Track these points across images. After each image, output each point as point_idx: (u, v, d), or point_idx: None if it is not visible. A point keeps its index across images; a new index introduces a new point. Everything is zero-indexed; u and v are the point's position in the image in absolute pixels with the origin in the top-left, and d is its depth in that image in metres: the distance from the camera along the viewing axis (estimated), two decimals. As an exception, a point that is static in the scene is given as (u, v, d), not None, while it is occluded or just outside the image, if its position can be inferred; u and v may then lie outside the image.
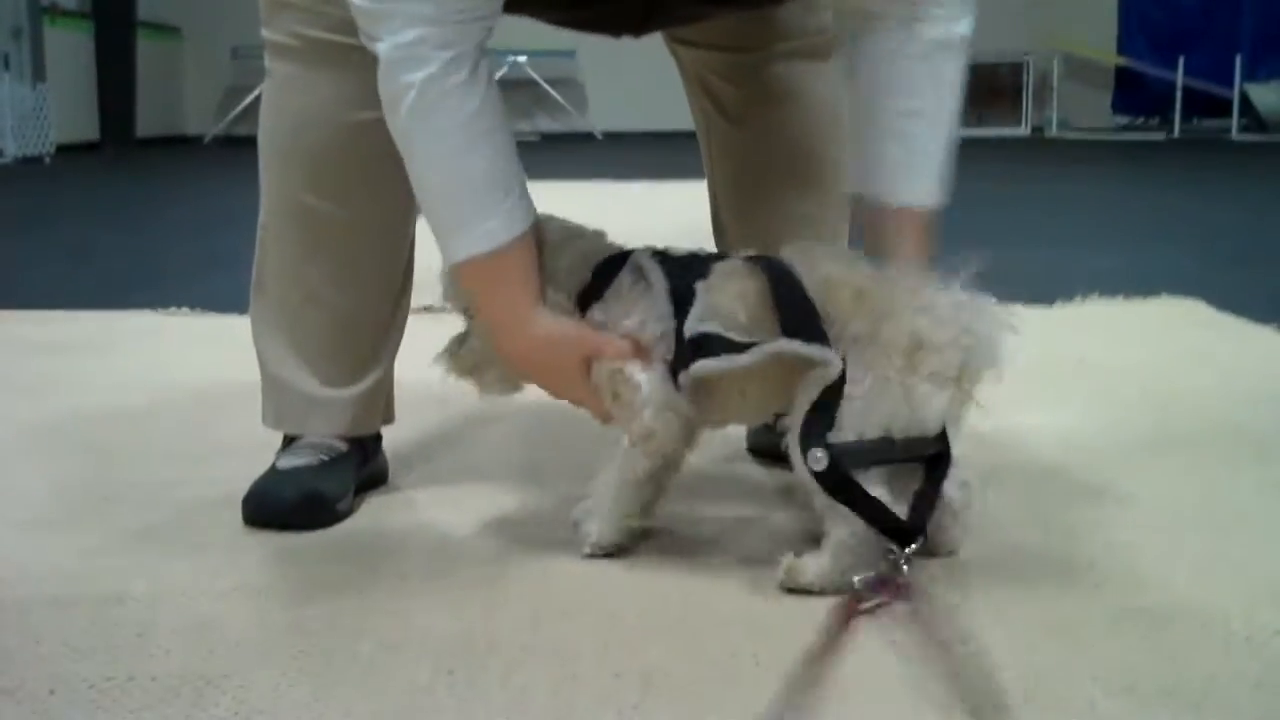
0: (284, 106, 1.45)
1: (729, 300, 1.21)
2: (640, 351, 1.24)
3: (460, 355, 1.41)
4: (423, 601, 1.19)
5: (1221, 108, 11.31)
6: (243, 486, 1.43)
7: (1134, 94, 12.25)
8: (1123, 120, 12.42)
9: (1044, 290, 2.91)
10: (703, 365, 1.21)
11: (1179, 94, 11.47)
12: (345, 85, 1.38)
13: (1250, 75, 11.12)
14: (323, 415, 1.50)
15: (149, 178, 7.70)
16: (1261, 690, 1.00)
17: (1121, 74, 12.28)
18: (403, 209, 1.49)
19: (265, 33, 1.43)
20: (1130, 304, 2.81)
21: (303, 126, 1.43)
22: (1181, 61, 11.41)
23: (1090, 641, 1.09)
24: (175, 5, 12.13)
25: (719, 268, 1.24)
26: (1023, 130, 12.39)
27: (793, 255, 1.23)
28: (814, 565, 1.18)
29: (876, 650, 1.07)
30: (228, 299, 2.87)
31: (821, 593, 1.17)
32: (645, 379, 1.23)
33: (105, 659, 1.07)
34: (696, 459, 1.36)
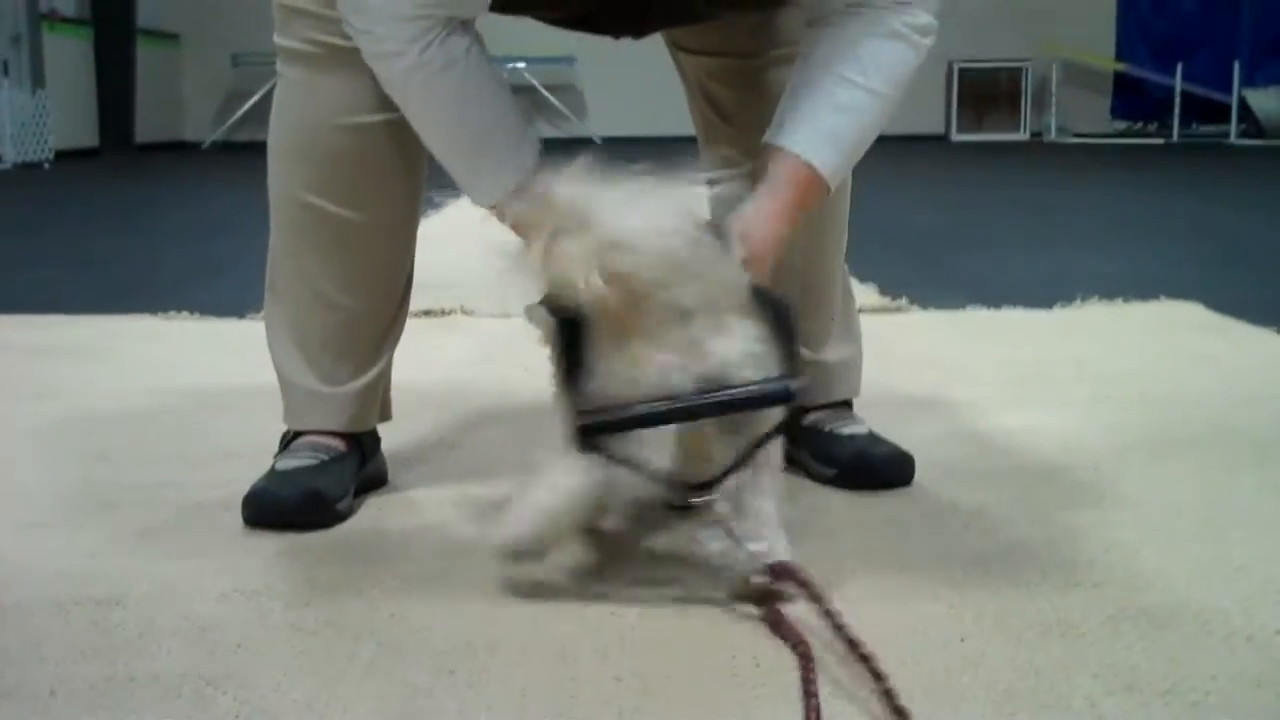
0: (293, 109, 1.47)
1: None
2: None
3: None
4: (423, 602, 1.19)
5: (1220, 113, 11.33)
6: (242, 489, 1.43)
7: (1133, 99, 12.28)
8: (1122, 125, 12.44)
9: (1044, 294, 2.91)
10: None
11: (1178, 99, 11.48)
12: (353, 89, 1.41)
13: (1249, 81, 11.14)
14: (322, 411, 1.51)
15: (148, 183, 7.71)
16: (1262, 689, 1.00)
17: (1120, 79, 12.30)
18: (408, 212, 1.52)
19: (277, 38, 1.46)
20: (1129, 307, 2.81)
21: (311, 129, 1.45)
22: (1180, 67, 11.43)
23: (1090, 641, 1.09)
24: (174, 12, 12.14)
25: None
26: (1022, 135, 12.41)
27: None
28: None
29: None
30: (227, 304, 2.87)
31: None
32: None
33: (106, 660, 1.07)
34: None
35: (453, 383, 2.13)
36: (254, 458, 1.57)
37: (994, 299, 2.90)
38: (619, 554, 1.29)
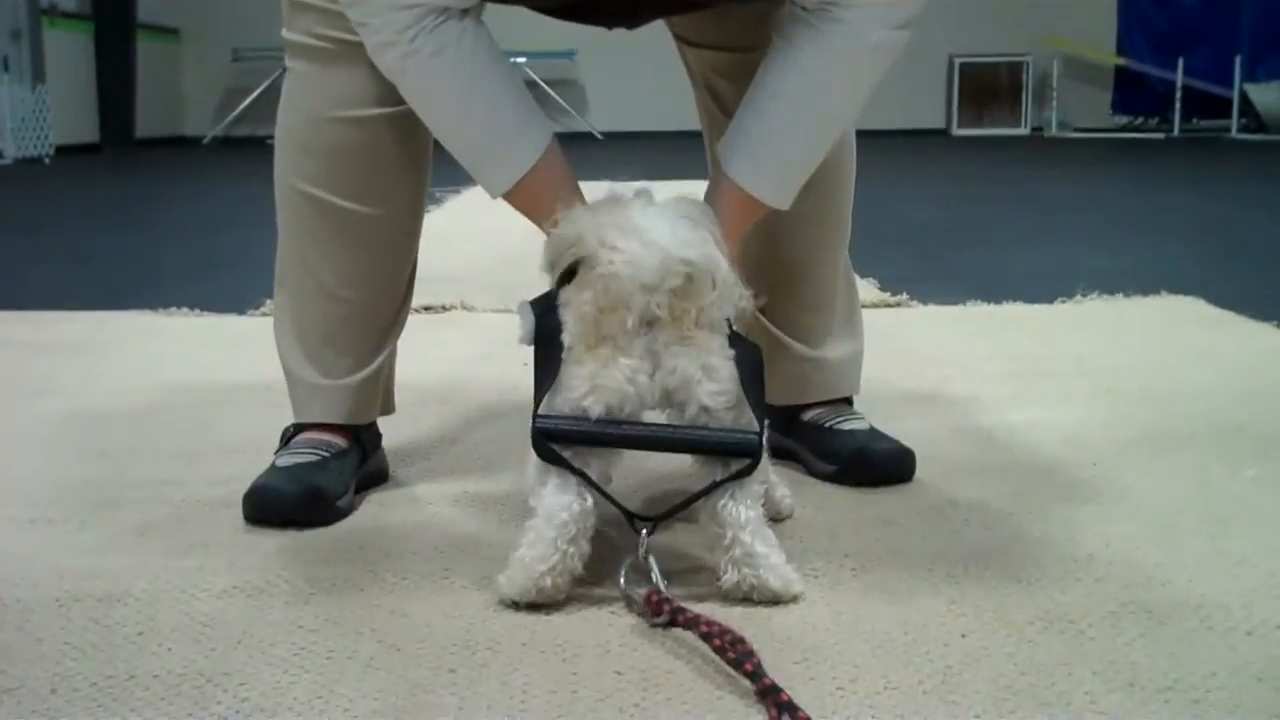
0: (299, 102, 1.48)
1: None
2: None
3: None
4: (423, 599, 1.19)
5: (1221, 107, 11.33)
6: (242, 486, 1.43)
7: (1134, 94, 12.27)
8: (1122, 120, 12.43)
9: (1045, 289, 2.91)
10: None
11: (1179, 94, 11.48)
12: (358, 82, 1.42)
13: (1250, 75, 11.13)
14: (322, 403, 1.51)
15: (148, 179, 7.71)
16: (1262, 685, 1.00)
17: (1121, 74, 12.30)
18: (412, 206, 1.52)
19: (285, 33, 1.47)
20: (1131, 302, 2.81)
21: (316, 122, 1.46)
22: (1181, 62, 11.42)
23: (1091, 636, 1.09)
24: (175, 7, 12.14)
25: None
26: (1023, 130, 12.41)
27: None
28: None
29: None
30: (227, 299, 2.87)
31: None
32: None
33: (106, 657, 1.07)
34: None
35: (453, 379, 2.13)
36: (255, 454, 1.57)
37: (995, 294, 2.90)
38: (616, 554, 1.29)
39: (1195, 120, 11.74)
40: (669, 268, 1.12)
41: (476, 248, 3.88)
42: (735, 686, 1.00)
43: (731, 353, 1.17)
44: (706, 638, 1.05)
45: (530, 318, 1.22)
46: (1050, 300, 2.83)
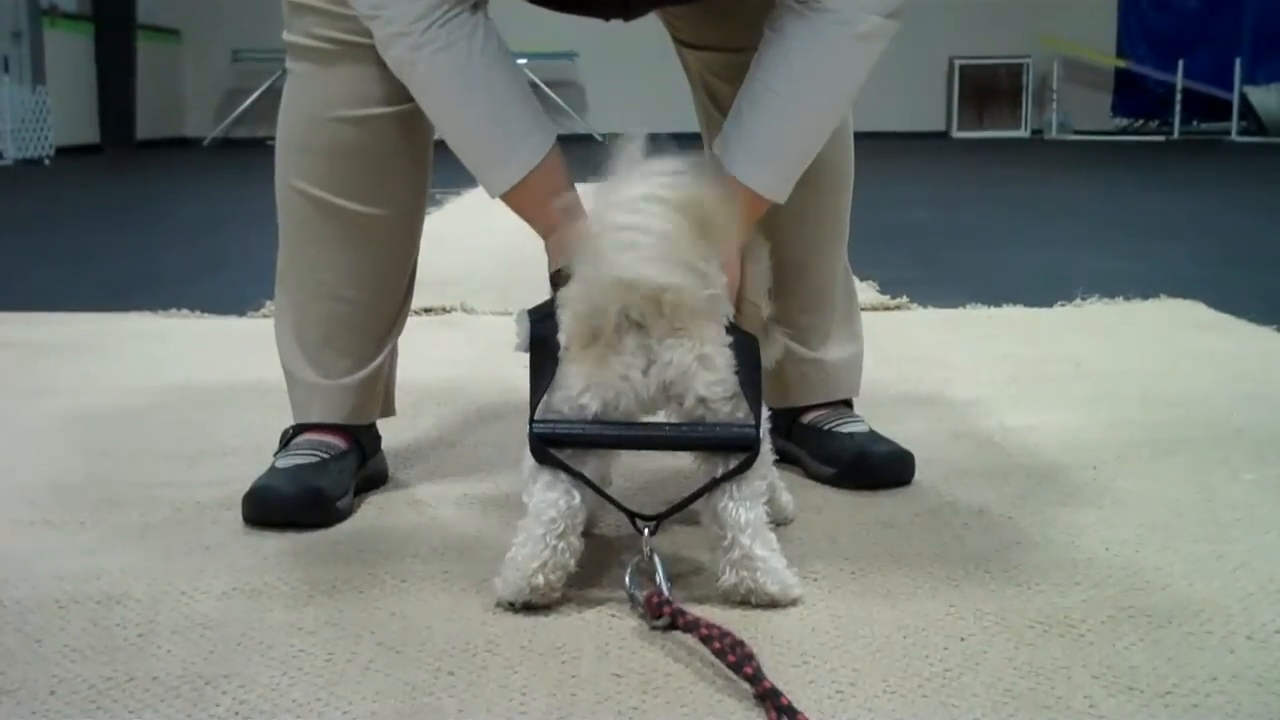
0: (299, 103, 1.48)
1: None
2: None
3: None
4: (423, 601, 1.19)
5: (1221, 110, 11.33)
6: (243, 487, 1.43)
7: (1134, 96, 12.28)
8: (1123, 122, 12.43)
9: (1044, 292, 2.91)
10: None
11: (1179, 96, 11.48)
12: (359, 82, 1.43)
13: (1250, 78, 11.14)
14: (321, 404, 1.51)
15: (148, 180, 7.71)
16: (1262, 689, 1.00)
17: (1121, 76, 12.30)
18: (413, 206, 1.53)
19: (286, 35, 1.47)
20: (1130, 305, 2.81)
21: (316, 122, 1.46)
22: (1181, 64, 11.42)
23: (1090, 640, 1.09)
24: (175, 8, 12.14)
25: None
26: (1023, 132, 12.41)
27: None
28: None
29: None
30: (227, 301, 2.87)
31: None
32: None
33: (105, 659, 1.07)
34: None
35: (453, 380, 2.13)
36: (254, 455, 1.57)
37: (994, 297, 2.90)
38: (615, 555, 1.29)
39: (1195, 123, 11.75)
40: (643, 280, 1.11)
41: (477, 249, 3.88)
42: (735, 689, 1.00)
43: (728, 339, 1.17)
44: (706, 640, 1.05)
45: (526, 325, 1.22)
46: (1050, 303, 2.83)
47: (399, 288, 1.56)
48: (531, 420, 1.17)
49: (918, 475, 1.55)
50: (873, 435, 1.59)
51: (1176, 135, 11.46)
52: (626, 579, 1.17)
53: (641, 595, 1.13)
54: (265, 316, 2.59)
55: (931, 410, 1.92)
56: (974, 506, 1.46)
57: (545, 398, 1.18)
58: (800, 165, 1.37)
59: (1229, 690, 1.00)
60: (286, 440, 1.53)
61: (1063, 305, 2.82)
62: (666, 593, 1.13)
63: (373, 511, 1.47)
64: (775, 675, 1.00)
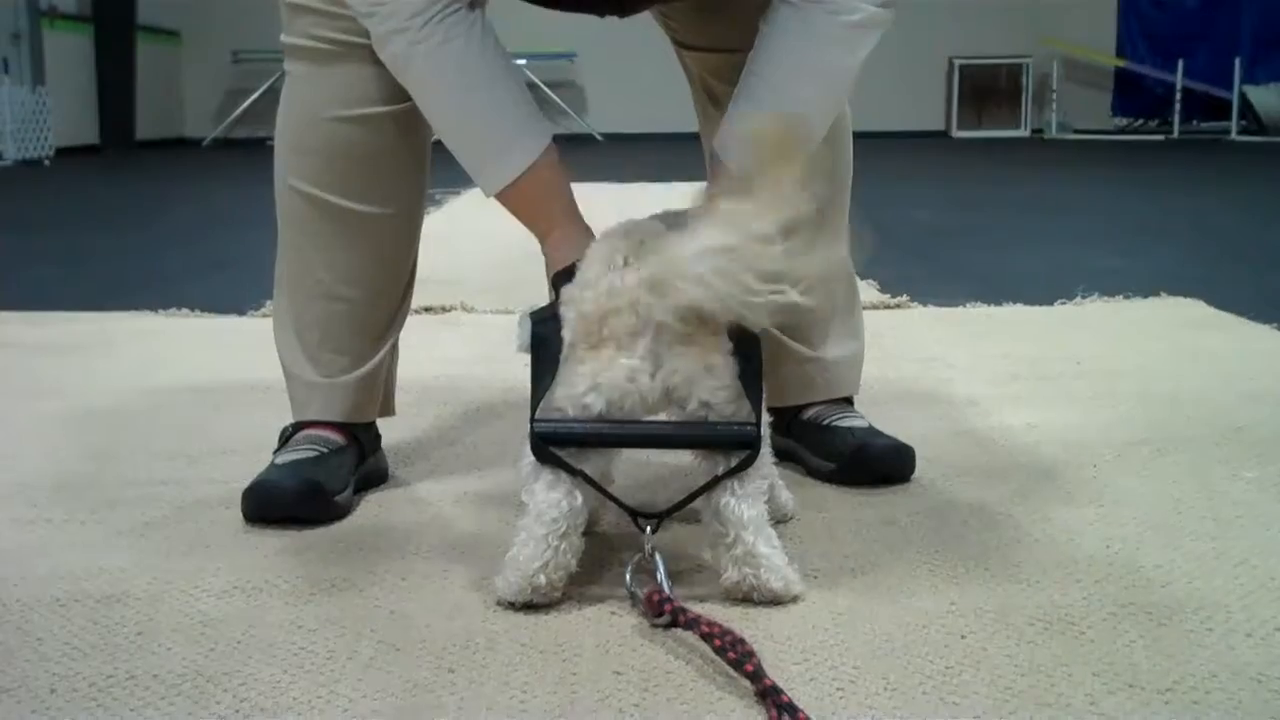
0: (297, 103, 1.48)
1: None
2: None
3: None
4: (423, 600, 1.19)
5: (1221, 109, 11.33)
6: (242, 486, 1.43)
7: (1134, 96, 12.28)
8: (1122, 122, 12.44)
9: (1044, 290, 2.91)
10: None
11: (1179, 95, 11.48)
12: (356, 82, 1.43)
13: (1249, 77, 11.14)
14: (320, 402, 1.51)
15: (148, 180, 7.71)
16: (1262, 686, 1.00)
17: (1121, 76, 12.30)
18: (411, 205, 1.53)
19: (284, 36, 1.47)
20: (1130, 304, 2.81)
21: (313, 121, 1.46)
22: (1181, 63, 11.42)
23: (1091, 638, 1.09)
24: (175, 9, 12.14)
25: None
26: (1023, 132, 12.41)
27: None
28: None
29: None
30: (226, 301, 2.87)
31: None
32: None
33: (106, 657, 1.07)
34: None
35: (453, 379, 2.13)
36: (254, 454, 1.57)
37: (994, 296, 2.90)
38: (615, 553, 1.29)
39: (1195, 122, 11.75)
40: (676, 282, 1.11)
41: (476, 249, 3.88)
42: (735, 687, 1.00)
43: (730, 346, 1.17)
44: (707, 638, 1.05)
45: (527, 326, 1.22)
46: (1050, 302, 2.83)
47: (398, 287, 1.56)
48: (532, 419, 1.17)
49: (918, 473, 1.55)
50: (872, 430, 1.59)
51: (1176, 135, 11.46)
52: (627, 577, 1.17)
53: (642, 593, 1.14)
54: (265, 316, 2.59)
55: (931, 408, 1.92)
56: (974, 504, 1.46)
57: (547, 395, 1.18)
58: None
59: (1229, 687, 1.00)
60: (285, 438, 1.53)
61: (1063, 304, 2.82)
62: (667, 591, 1.13)
63: (373, 509, 1.47)
64: (776, 672, 1.00)
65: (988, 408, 1.92)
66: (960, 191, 6.41)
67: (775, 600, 1.16)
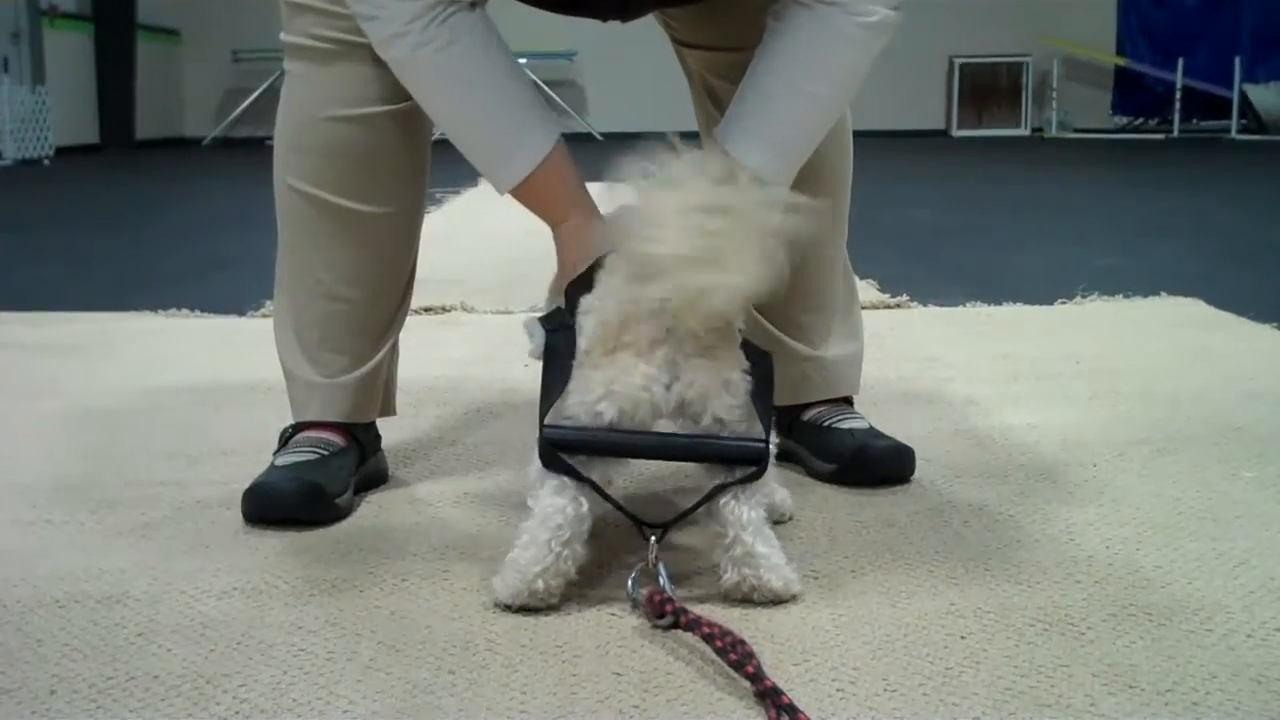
0: (296, 102, 1.48)
1: None
2: None
3: None
4: (423, 600, 1.19)
5: (1221, 108, 11.33)
6: (242, 487, 1.43)
7: (1134, 95, 12.27)
8: (1122, 121, 12.43)
9: (1044, 289, 2.91)
10: None
11: (1179, 94, 11.48)
12: (355, 81, 1.43)
13: (1249, 76, 11.14)
14: (320, 402, 1.51)
15: (148, 180, 7.71)
16: (1262, 687, 1.00)
17: (1121, 75, 12.29)
18: (411, 205, 1.53)
19: (283, 35, 1.47)
20: (1130, 303, 2.81)
21: (313, 121, 1.46)
22: (1181, 62, 11.42)
23: (1090, 638, 1.09)
24: (175, 8, 12.13)
25: None
26: (1023, 131, 12.40)
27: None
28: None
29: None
30: (226, 300, 2.87)
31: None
32: None
33: (105, 658, 1.07)
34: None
35: (453, 379, 2.13)
36: (254, 455, 1.57)
37: (994, 295, 2.90)
38: (615, 555, 1.29)
39: (1195, 121, 11.74)
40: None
41: (477, 249, 3.88)
42: (735, 688, 1.00)
43: (746, 364, 1.18)
44: (708, 639, 1.05)
45: (540, 333, 1.22)
46: (1050, 301, 2.83)
47: (397, 287, 1.56)
48: (542, 424, 1.17)
49: (917, 473, 1.55)
50: (872, 431, 1.59)
51: (1176, 133, 11.45)
52: (629, 584, 1.17)
53: (643, 595, 1.14)
54: (265, 316, 2.59)
55: (932, 409, 1.91)
56: (974, 504, 1.46)
57: (559, 401, 1.18)
58: (802, 153, 1.37)
59: (1229, 688, 1.00)
60: (286, 439, 1.53)
61: (1063, 303, 2.82)
62: (669, 592, 1.13)
63: (373, 510, 1.47)
64: (776, 674, 1.00)
65: (988, 407, 1.92)
66: (960, 191, 6.40)
67: (776, 600, 1.17)
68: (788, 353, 1.61)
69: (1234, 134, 10.93)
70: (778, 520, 1.36)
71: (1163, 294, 2.87)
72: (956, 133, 12.38)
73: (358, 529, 1.41)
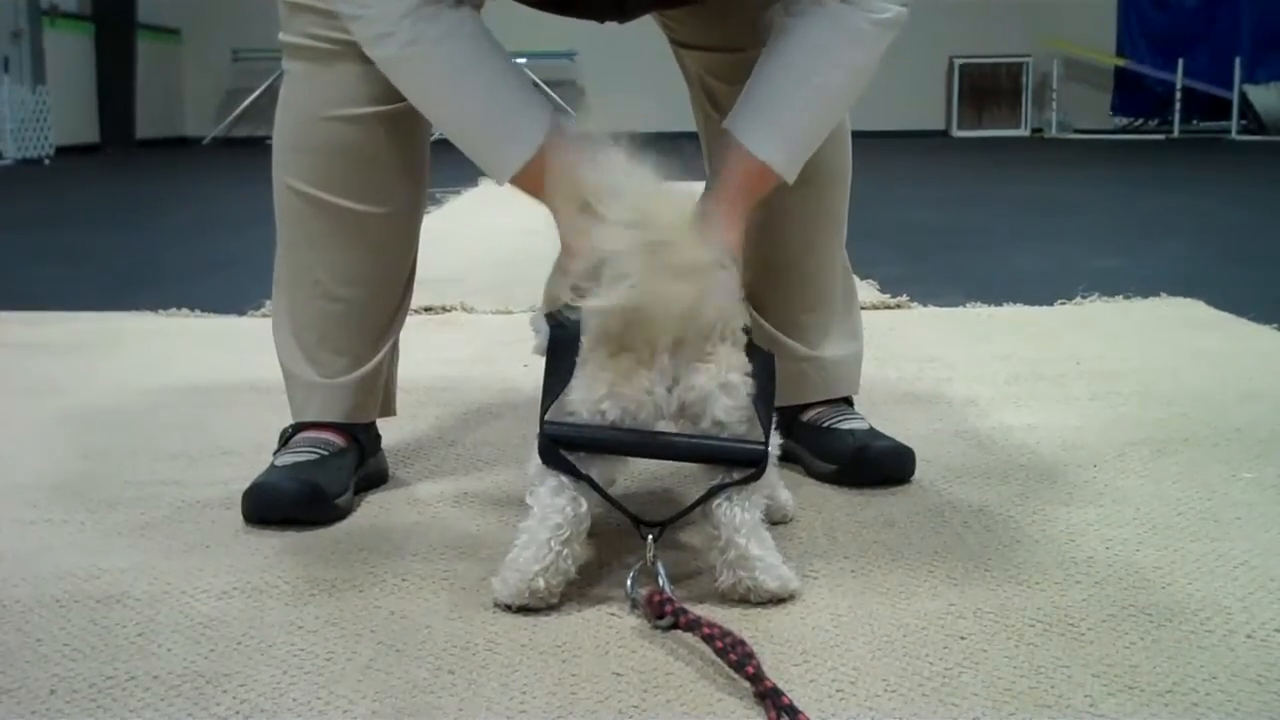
0: (295, 102, 1.49)
1: None
2: None
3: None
4: (423, 601, 1.19)
5: (1221, 109, 11.33)
6: (242, 487, 1.43)
7: (1134, 95, 12.28)
8: (1122, 121, 12.43)
9: (1044, 290, 2.91)
10: None
11: (1179, 95, 11.48)
12: (353, 81, 1.43)
13: (1249, 77, 11.14)
14: (319, 403, 1.52)
15: (149, 180, 7.71)
16: (1262, 687, 1.00)
17: (1121, 75, 12.29)
18: (410, 205, 1.53)
19: (282, 35, 1.47)
20: (1130, 304, 2.81)
21: (311, 121, 1.47)
22: (1181, 63, 11.42)
23: (1090, 639, 1.09)
24: (175, 7, 12.13)
25: None
26: (1023, 131, 12.40)
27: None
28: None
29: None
30: (227, 300, 2.87)
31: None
32: None
33: (106, 658, 1.07)
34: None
35: (453, 379, 2.13)
36: (254, 455, 1.57)
37: (994, 296, 2.90)
38: (615, 555, 1.29)
39: (1195, 121, 11.74)
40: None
41: (476, 249, 3.88)
42: (735, 689, 1.00)
43: (749, 367, 1.18)
44: (708, 640, 1.05)
45: (545, 329, 1.22)
46: (1050, 302, 2.83)
47: (397, 286, 1.55)
48: (542, 421, 1.17)
49: (917, 474, 1.55)
50: (873, 432, 1.59)
51: (1176, 134, 11.46)
52: (629, 584, 1.17)
53: (643, 595, 1.14)
54: (265, 316, 2.59)
55: (932, 409, 1.91)
56: (974, 505, 1.46)
57: (561, 398, 1.18)
58: (809, 145, 1.37)
59: (1229, 689, 1.00)
60: (285, 439, 1.53)
61: (1063, 304, 2.82)
62: (668, 592, 1.13)
63: (373, 511, 1.47)
64: (776, 674, 1.00)
65: (987, 408, 1.92)
66: (960, 191, 6.40)
67: (773, 599, 1.17)
68: (786, 353, 1.61)
69: (1234, 134, 10.93)
70: (779, 521, 1.36)
71: (1163, 295, 2.87)
72: (956, 133, 12.38)
73: (358, 529, 1.41)
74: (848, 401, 1.66)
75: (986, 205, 5.54)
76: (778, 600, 1.17)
